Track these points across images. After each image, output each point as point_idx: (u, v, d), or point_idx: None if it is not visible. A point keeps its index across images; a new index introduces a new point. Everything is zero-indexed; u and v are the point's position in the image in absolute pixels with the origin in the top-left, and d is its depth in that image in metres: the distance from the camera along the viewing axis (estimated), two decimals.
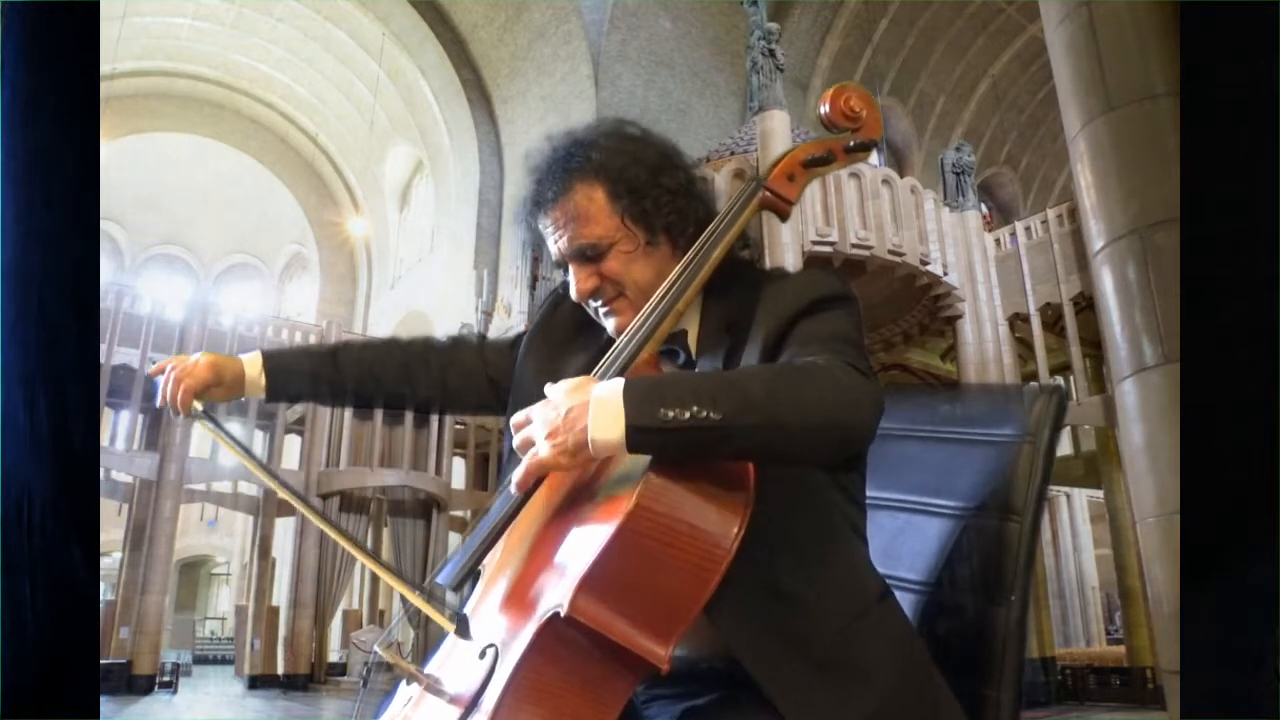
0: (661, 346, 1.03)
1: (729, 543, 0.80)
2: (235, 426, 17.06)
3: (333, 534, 1.04)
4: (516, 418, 0.87)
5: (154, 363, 1.25)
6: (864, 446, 0.95)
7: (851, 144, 1.10)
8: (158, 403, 1.19)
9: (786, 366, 0.89)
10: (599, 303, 1.09)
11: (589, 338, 1.14)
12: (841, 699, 0.87)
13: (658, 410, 0.79)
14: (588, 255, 1.06)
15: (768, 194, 1.08)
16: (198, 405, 1.16)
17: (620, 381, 0.81)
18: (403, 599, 0.95)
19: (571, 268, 1.09)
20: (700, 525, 0.80)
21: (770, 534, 0.88)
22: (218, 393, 1.20)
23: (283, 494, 1.06)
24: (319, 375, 1.26)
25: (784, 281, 1.03)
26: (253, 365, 1.22)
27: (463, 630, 0.89)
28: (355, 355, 1.28)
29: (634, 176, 1.05)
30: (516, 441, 0.86)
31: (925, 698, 0.94)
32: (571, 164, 1.06)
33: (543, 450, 0.83)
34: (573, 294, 1.10)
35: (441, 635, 0.94)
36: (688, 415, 0.78)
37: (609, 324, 1.09)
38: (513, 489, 0.90)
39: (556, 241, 1.08)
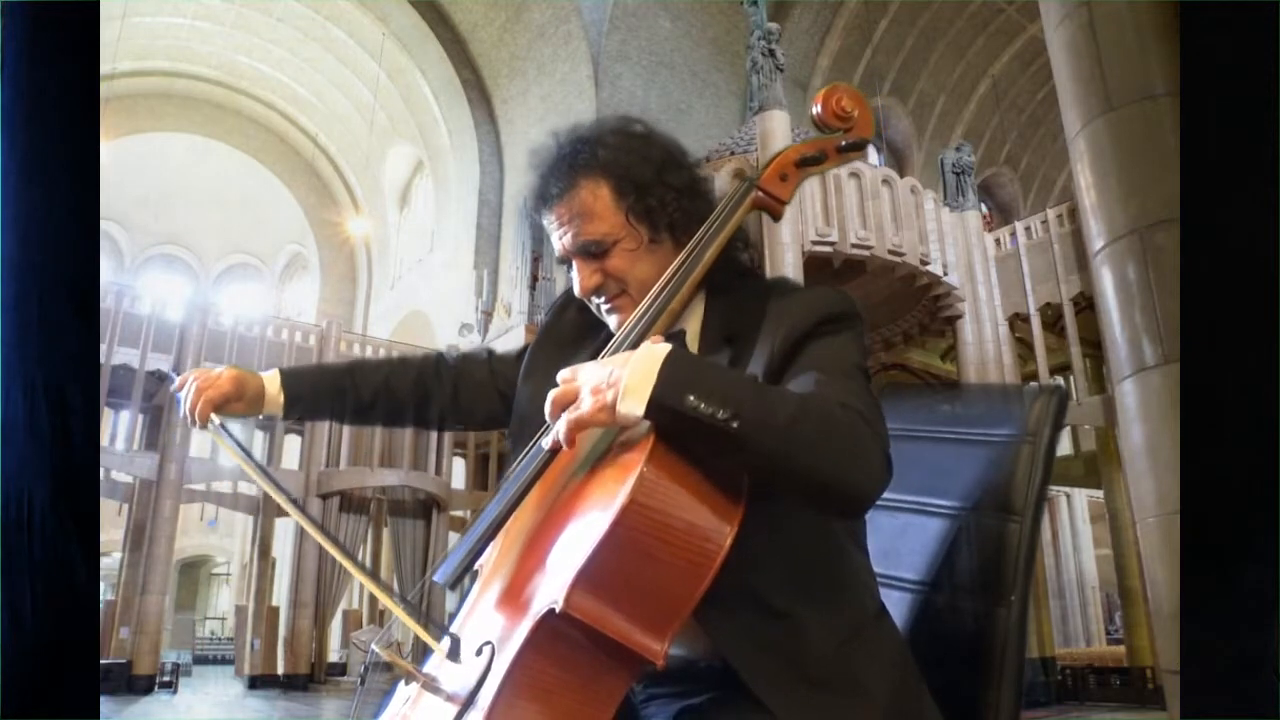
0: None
1: (723, 539, 0.80)
2: (236, 427, 17.02)
3: (340, 557, 1.00)
4: (563, 374, 0.88)
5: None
6: (857, 517, 0.96)
7: (844, 143, 1.11)
8: (182, 415, 1.18)
9: (820, 403, 0.85)
10: (602, 299, 1.09)
11: (593, 340, 1.14)
12: (839, 714, 0.88)
13: (685, 395, 0.80)
14: (591, 252, 1.06)
15: (760, 194, 1.08)
16: (215, 419, 1.14)
17: (666, 349, 0.83)
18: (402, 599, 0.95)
19: (575, 264, 1.08)
20: (694, 521, 0.81)
21: (763, 549, 0.88)
22: (237, 407, 1.18)
23: (298, 517, 1.04)
24: (335, 391, 1.26)
25: (791, 296, 1.02)
26: (272, 382, 1.21)
27: (454, 652, 0.87)
28: (370, 371, 1.28)
29: (640, 174, 1.05)
30: (556, 394, 0.87)
31: (918, 717, 0.95)
32: (577, 160, 1.06)
33: (585, 404, 0.84)
34: (575, 290, 1.10)
35: (440, 635, 0.94)
36: (708, 412, 0.79)
37: (611, 320, 1.10)
38: (545, 444, 0.91)
39: (561, 238, 1.08)
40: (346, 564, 0.97)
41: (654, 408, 0.80)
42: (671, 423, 0.81)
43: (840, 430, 0.83)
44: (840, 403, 0.86)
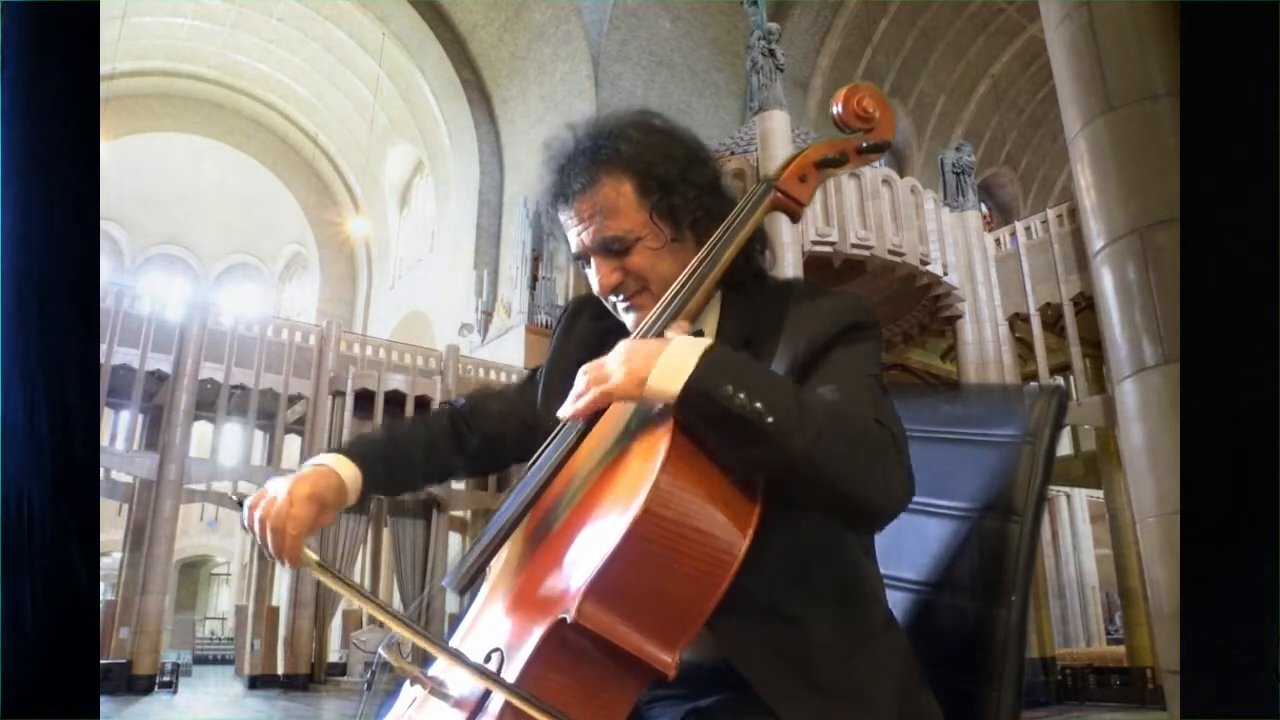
0: None
1: (738, 548, 0.80)
2: (235, 426, 17.08)
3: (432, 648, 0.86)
4: (592, 364, 0.91)
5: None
6: (868, 533, 0.97)
7: (864, 145, 1.08)
8: (270, 554, 1.00)
9: (855, 415, 0.86)
10: (620, 297, 1.07)
11: (610, 347, 1.13)
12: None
13: (723, 383, 0.81)
14: (613, 249, 1.04)
15: (779, 195, 1.06)
16: (311, 555, 0.96)
17: (706, 340, 0.85)
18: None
19: (594, 261, 1.06)
20: (709, 531, 0.80)
21: (773, 556, 0.88)
22: (326, 518, 1.01)
23: (405, 632, 0.90)
24: (399, 455, 1.14)
25: (814, 302, 1.00)
26: (342, 464, 1.06)
27: (460, 661, 0.84)
28: (408, 433, 1.18)
29: (664, 172, 1.03)
30: (591, 373, 0.89)
31: None
32: (599, 155, 1.03)
33: (615, 376, 0.86)
34: (595, 288, 1.08)
35: (446, 637, 0.93)
36: (744, 403, 0.80)
37: (629, 318, 1.08)
38: (567, 413, 0.92)
39: (580, 234, 1.05)
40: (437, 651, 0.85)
41: (689, 390, 0.81)
42: (703, 409, 0.81)
43: (869, 445, 0.84)
44: (875, 418, 0.86)
